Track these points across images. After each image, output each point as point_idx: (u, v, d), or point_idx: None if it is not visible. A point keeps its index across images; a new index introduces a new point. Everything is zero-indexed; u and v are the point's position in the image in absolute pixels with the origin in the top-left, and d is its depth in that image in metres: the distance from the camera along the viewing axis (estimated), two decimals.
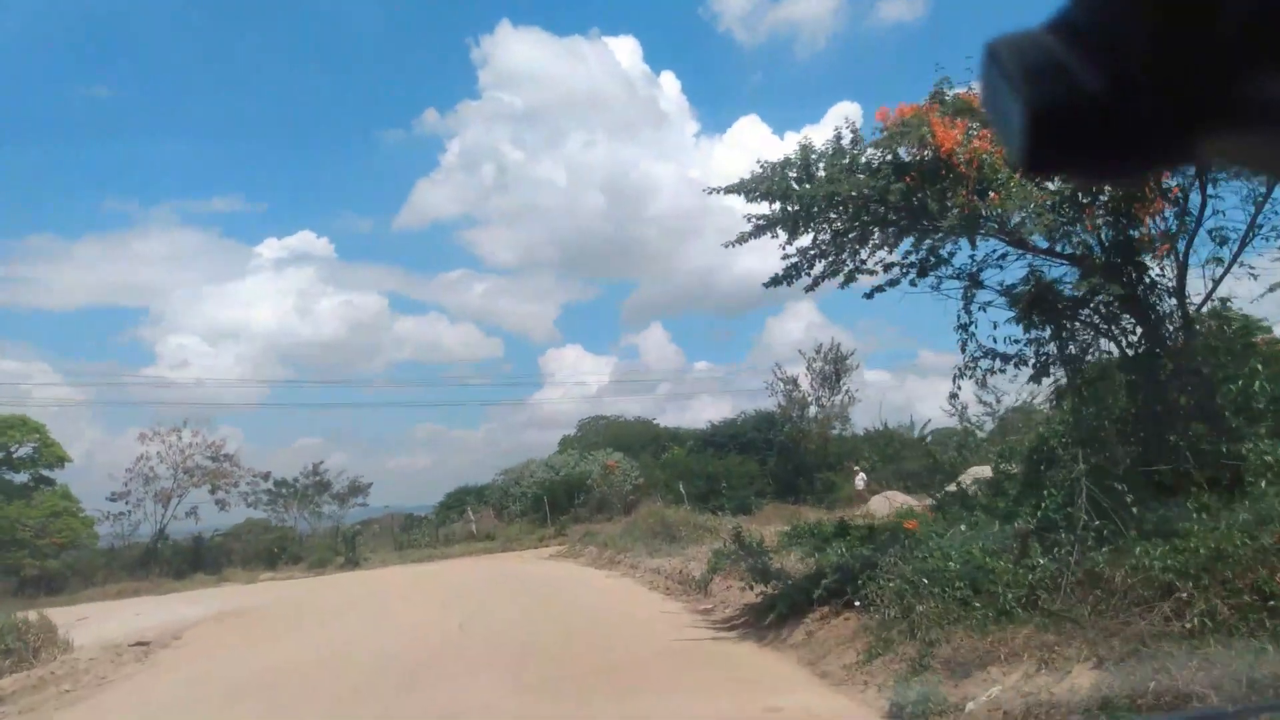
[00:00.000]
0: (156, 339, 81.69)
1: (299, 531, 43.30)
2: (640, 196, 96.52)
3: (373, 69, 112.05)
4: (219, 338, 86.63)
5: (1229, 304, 9.85)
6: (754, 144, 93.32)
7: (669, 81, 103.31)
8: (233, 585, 33.90)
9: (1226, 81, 0.53)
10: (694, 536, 21.20)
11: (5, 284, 79.13)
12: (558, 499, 41.29)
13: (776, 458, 40.84)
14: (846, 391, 40.95)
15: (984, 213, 9.50)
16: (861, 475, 36.70)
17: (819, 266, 11.06)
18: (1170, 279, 9.50)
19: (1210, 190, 8.95)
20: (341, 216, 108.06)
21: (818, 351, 41.20)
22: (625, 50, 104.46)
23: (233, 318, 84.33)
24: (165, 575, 37.30)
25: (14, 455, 40.92)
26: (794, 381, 41.35)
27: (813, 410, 41.47)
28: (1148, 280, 9.44)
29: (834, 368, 40.99)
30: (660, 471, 41.44)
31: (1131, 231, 9.29)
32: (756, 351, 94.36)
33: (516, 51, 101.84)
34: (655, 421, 54.86)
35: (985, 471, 16.01)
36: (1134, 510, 7.79)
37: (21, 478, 40.87)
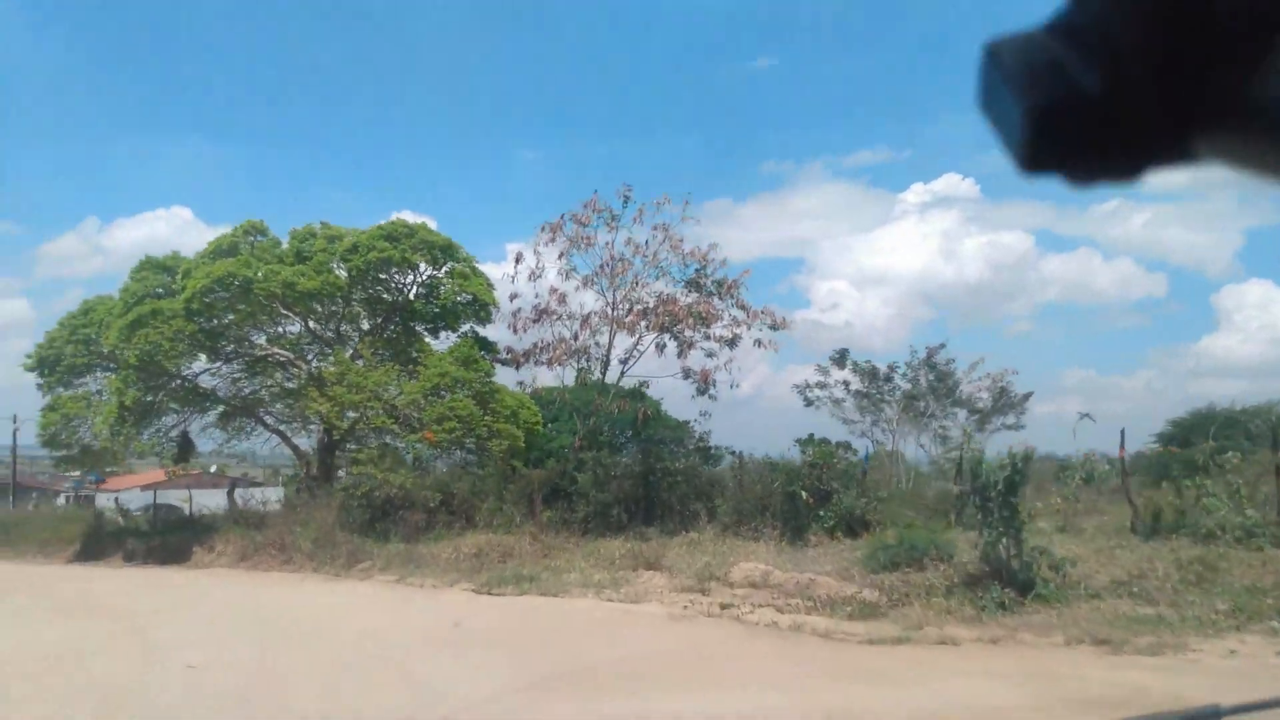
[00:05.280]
0: (810, 286, 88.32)
1: (877, 462, 19.17)
2: None
3: None
4: (866, 283, 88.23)
5: None
6: None
7: None
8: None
9: (1224, 81, 0.53)
10: None
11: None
12: None
13: None
14: None
15: None
16: None
17: None
18: None
19: None
20: (988, 156, 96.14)
21: None
22: None
23: (878, 263, 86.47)
24: (590, 526, 16.84)
25: (442, 291, 24.29)
26: None
27: None
28: None
29: None
30: None
31: None
32: None
33: None
34: None
35: None
36: None
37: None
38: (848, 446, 17.79)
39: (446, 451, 21.52)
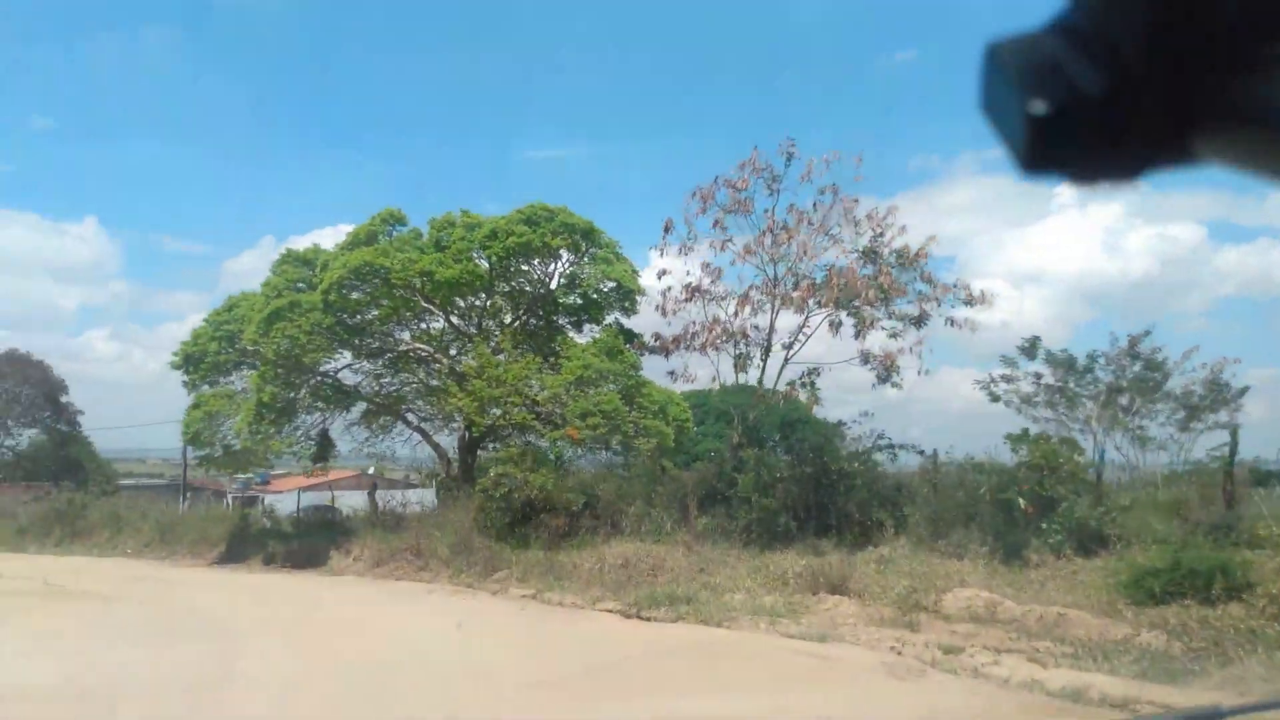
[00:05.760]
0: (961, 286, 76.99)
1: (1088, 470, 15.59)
2: None
3: None
4: (1022, 281, 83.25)
5: None
6: None
7: None
8: None
9: (1224, 82, 0.54)
10: None
11: None
12: None
13: None
14: None
15: None
16: None
17: None
18: None
19: None
20: None
21: None
22: None
23: (1035, 260, 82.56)
24: (753, 536, 14.39)
25: (584, 277, 22.80)
26: None
27: None
28: None
29: None
30: None
31: None
32: None
33: None
34: None
35: None
36: None
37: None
38: (1074, 444, 14.49)
39: (590, 450, 19.66)
